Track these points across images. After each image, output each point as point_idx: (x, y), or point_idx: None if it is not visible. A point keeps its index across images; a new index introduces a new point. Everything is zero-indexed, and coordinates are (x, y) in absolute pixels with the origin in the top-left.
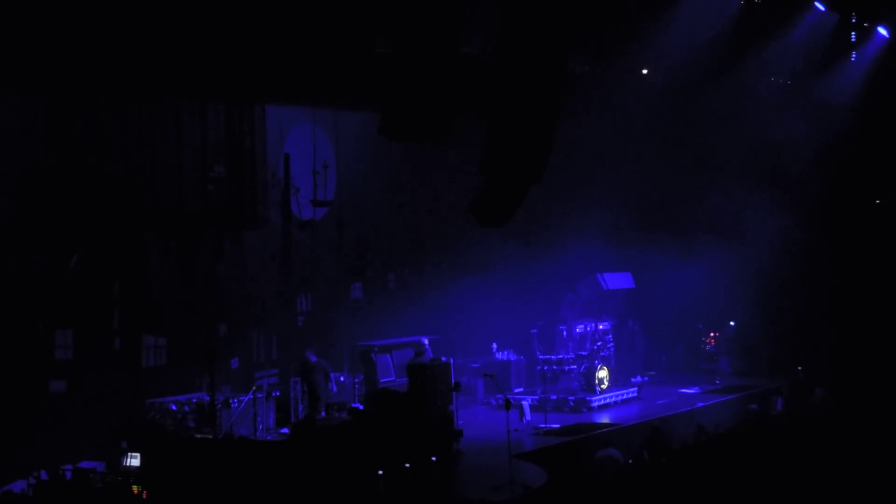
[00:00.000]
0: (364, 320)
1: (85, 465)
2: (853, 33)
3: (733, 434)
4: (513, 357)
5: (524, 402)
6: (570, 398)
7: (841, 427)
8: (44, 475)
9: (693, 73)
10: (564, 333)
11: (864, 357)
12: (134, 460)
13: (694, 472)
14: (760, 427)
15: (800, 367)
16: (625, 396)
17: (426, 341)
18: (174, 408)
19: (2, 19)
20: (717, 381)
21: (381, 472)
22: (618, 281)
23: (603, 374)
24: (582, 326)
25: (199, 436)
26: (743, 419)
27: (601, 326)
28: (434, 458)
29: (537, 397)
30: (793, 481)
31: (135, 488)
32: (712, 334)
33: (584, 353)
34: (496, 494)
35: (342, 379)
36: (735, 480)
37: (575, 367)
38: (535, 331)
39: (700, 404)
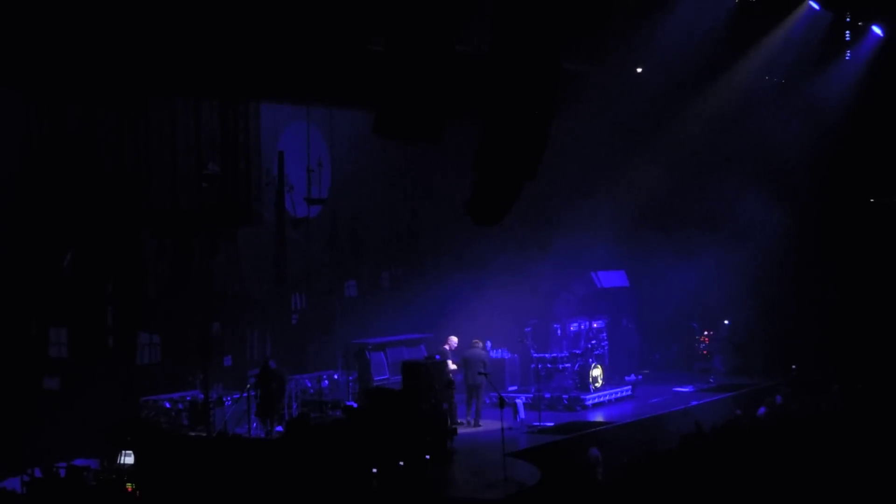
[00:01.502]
0: (358, 318)
1: (79, 462)
2: (847, 32)
3: (730, 433)
4: (507, 355)
5: (518, 401)
6: (564, 396)
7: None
8: (37, 473)
9: (688, 71)
10: (559, 331)
11: (869, 353)
12: (128, 458)
13: (687, 471)
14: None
15: (794, 366)
16: (619, 395)
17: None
18: (168, 405)
19: None
20: (711, 380)
21: (375, 470)
22: (612, 279)
23: (597, 372)
24: (576, 325)
25: (192, 433)
26: (727, 422)
27: (595, 325)
28: (428, 457)
29: (531, 395)
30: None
31: (129, 486)
32: (706, 333)
33: (578, 351)
34: (490, 492)
35: (336, 377)
36: (737, 480)
37: (569, 365)
38: (529, 329)
39: (694, 402)
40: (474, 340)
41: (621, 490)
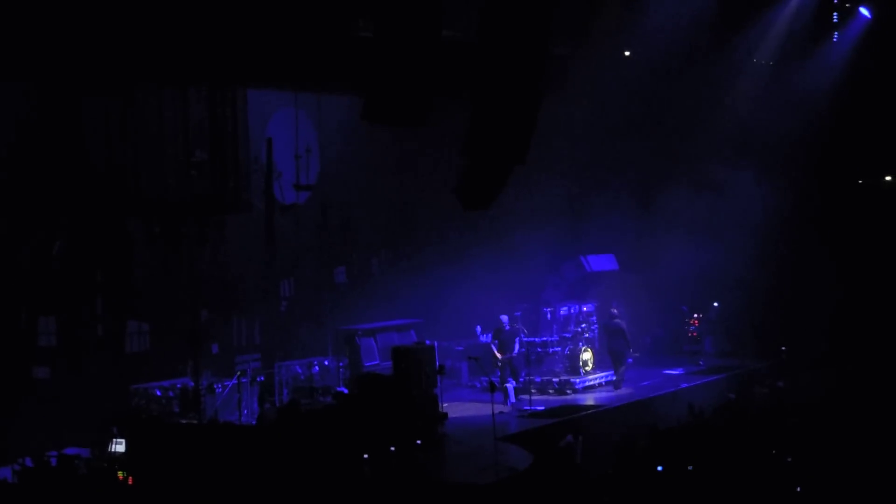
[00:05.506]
0: (348, 304)
1: (70, 451)
2: (835, 13)
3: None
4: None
5: (508, 385)
6: (554, 380)
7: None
8: (28, 462)
9: (676, 55)
10: (549, 315)
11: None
12: (119, 446)
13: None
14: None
15: (783, 348)
16: (609, 378)
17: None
18: (158, 393)
19: None
20: (701, 363)
21: (366, 456)
22: (602, 263)
23: (587, 356)
24: (566, 308)
25: (183, 421)
26: (721, 407)
27: (585, 308)
28: (419, 442)
29: (522, 379)
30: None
31: (120, 474)
32: (696, 315)
33: (568, 335)
34: (481, 476)
35: (326, 363)
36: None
37: (559, 349)
38: (519, 313)
39: (684, 385)
40: (612, 311)
41: (616, 474)
